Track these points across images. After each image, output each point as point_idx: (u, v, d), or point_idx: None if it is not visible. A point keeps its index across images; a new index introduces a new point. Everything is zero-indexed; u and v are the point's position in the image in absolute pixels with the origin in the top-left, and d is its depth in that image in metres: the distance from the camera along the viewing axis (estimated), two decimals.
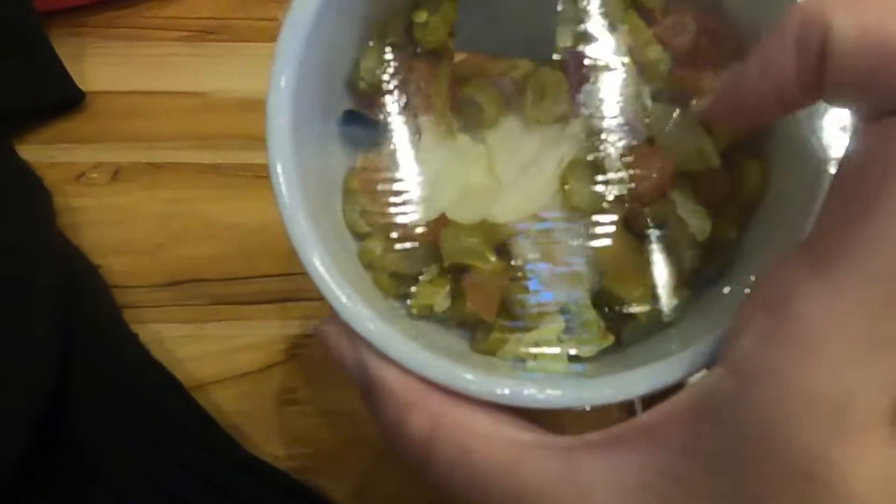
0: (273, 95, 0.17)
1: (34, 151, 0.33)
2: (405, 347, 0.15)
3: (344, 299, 0.16)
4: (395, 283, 0.18)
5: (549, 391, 0.15)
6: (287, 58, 0.17)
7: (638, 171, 0.17)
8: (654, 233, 0.17)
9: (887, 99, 0.12)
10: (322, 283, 0.16)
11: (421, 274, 0.18)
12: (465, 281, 0.18)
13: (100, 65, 0.38)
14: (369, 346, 0.15)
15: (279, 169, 0.17)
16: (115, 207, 0.32)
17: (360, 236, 0.19)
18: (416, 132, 0.19)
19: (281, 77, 0.17)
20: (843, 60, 0.12)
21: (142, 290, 0.29)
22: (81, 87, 0.36)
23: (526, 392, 0.15)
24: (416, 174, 0.19)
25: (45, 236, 0.27)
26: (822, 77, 0.13)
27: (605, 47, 0.18)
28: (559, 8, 0.17)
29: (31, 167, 0.32)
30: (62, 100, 0.35)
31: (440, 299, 0.18)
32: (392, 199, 0.18)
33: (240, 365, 0.27)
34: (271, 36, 0.43)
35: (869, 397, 0.12)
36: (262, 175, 0.34)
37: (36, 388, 0.23)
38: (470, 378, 0.15)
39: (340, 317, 0.16)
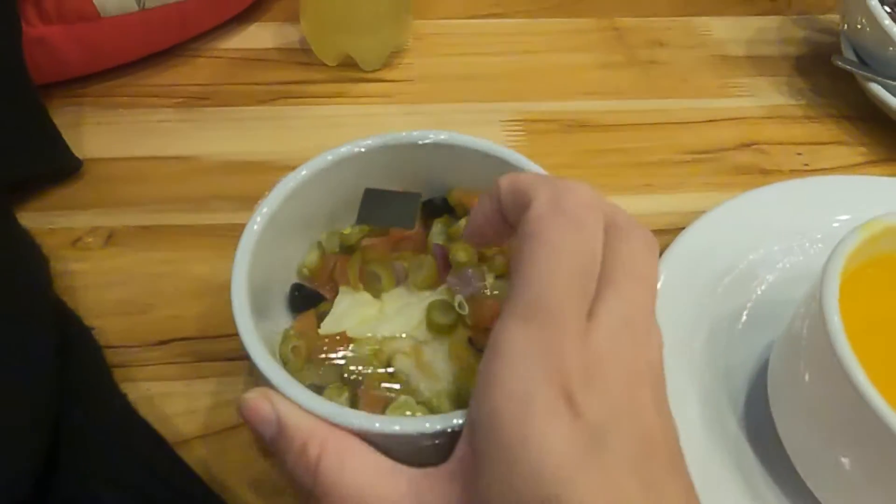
0: (234, 281, 0.26)
1: (34, 218, 0.36)
2: (307, 394, 0.22)
3: (264, 362, 0.23)
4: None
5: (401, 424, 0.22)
6: (242, 259, 0.26)
7: (479, 312, 0.27)
8: None
9: (519, 210, 0.22)
10: (252, 350, 0.24)
11: (329, 384, 0.26)
12: (359, 390, 0.25)
13: (97, 132, 0.41)
14: (280, 395, 0.22)
15: (241, 322, 0.25)
16: (109, 270, 0.34)
17: (286, 365, 0.26)
18: (335, 295, 0.29)
19: (240, 271, 0.26)
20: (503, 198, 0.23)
21: (133, 350, 0.31)
22: (79, 154, 0.39)
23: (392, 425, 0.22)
24: (332, 317, 0.28)
25: (42, 303, 0.29)
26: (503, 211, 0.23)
27: (463, 248, 0.28)
28: (419, 201, 0.29)
29: (31, 234, 0.34)
30: (61, 169, 0.37)
31: (341, 401, 0.25)
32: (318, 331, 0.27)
33: (223, 420, 0.29)
34: (256, 100, 0.46)
35: (543, 395, 0.18)
36: None
37: (30, 448, 0.24)
38: (352, 415, 0.22)
39: (261, 372, 0.23)
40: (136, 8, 0.41)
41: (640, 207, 0.39)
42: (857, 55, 0.45)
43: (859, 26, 0.43)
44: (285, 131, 0.42)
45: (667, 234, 0.36)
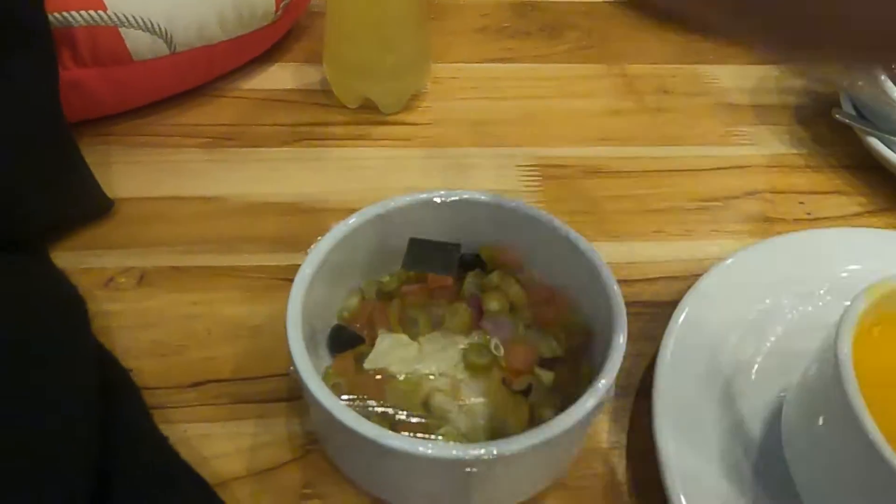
0: (289, 318, 0.27)
1: (67, 258, 0.37)
2: (357, 418, 0.24)
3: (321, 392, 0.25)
4: None
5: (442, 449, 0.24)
6: (296, 298, 0.28)
7: (512, 355, 0.29)
8: (524, 391, 0.28)
9: None
10: (309, 381, 0.25)
11: (370, 419, 0.26)
12: (400, 425, 0.27)
13: (126, 172, 0.42)
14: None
15: (297, 355, 0.26)
16: (142, 311, 0.35)
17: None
18: (373, 338, 0.30)
19: (295, 310, 0.27)
20: None
21: (169, 391, 0.32)
22: (109, 193, 0.40)
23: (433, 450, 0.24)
24: (375, 355, 0.30)
25: (82, 345, 0.30)
26: None
27: (496, 297, 0.31)
28: (459, 252, 0.31)
29: (66, 274, 0.35)
30: (94, 210, 0.38)
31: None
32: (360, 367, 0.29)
33: (262, 461, 0.30)
34: (279, 141, 0.47)
35: None
36: (275, 277, 0.37)
37: (72, 492, 0.25)
38: (396, 437, 0.24)
39: (318, 400, 0.25)
40: (167, 52, 0.42)
41: (652, 254, 0.40)
42: (856, 108, 0.47)
43: (858, 82, 0.45)
44: (308, 173, 0.43)
45: (679, 280, 0.38)
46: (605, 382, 0.25)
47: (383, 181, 0.43)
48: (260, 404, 0.32)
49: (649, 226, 0.42)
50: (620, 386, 0.34)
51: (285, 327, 0.26)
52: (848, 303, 0.27)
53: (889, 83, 0.43)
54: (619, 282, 0.38)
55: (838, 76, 0.49)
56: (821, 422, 0.26)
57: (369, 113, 0.47)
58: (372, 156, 0.45)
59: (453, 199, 0.32)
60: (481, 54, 0.54)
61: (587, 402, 0.25)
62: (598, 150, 0.47)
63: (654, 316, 0.36)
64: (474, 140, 0.46)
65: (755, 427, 0.30)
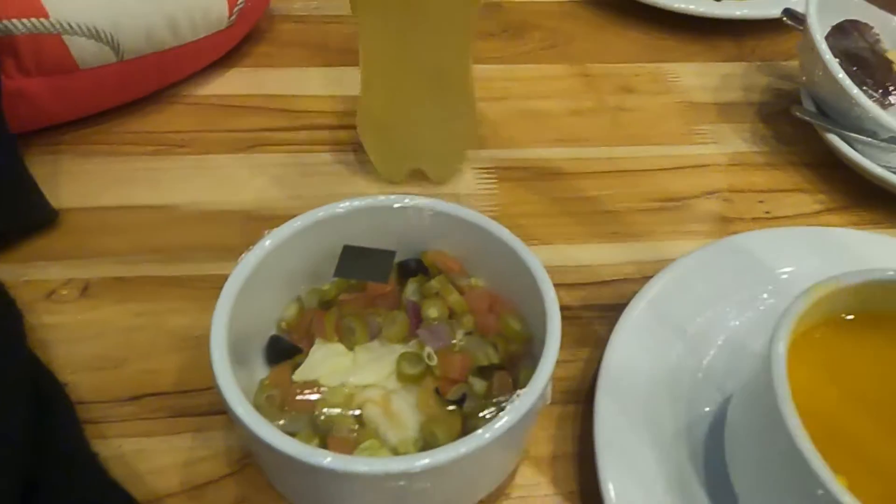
0: (213, 331, 0.27)
1: (8, 270, 0.36)
2: (280, 437, 0.23)
3: (241, 407, 0.24)
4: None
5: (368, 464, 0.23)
6: (221, 312, 0.27)
7: (446, 364, 0.28)
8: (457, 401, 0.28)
9: None
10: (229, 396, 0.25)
11: (300, 431, 0.26)
12: (329, 437, 0.27)
13: (73, 181, 0.41)
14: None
15: (219, 370, 0.26)
16: (84, 323, 0.34)
17: (260, 413, 0.26)
18: (311, 346, 0.30)
19: (220, 322, 0.27)
20: None
21: (106, 406, 0.31)
22: (55, 203, 0.39)
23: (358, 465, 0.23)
24: (306, 366, 0.29)
25: (14, 360, 0.30)
26: None
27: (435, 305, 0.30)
28: (394, 259, 0.30)
29: (5, 287, 0.34)
30: (38, 220, 0.38)
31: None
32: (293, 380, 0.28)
33: (195, 477, 0.29)
34: (234, 147, 0.46)
35: None
36: (221, 286, 0.37)
37: None
38: (322, 454, 0.23)
39: (238, 417, 0.24)
40: (114, 59, 0.42)
41: (608, 256, 0.40)
42: (817, 105, 0.46)
43: (816, 79, 0.45)
44: (261, 179, 0.43)
45: (634, 282, 0.37)
46: (533, 390, 0.25)
47: (337, 187, 0.43)
48: (199, 417, 0.31)
49: (607, 227, 0.42)
50: (568, 392, 0.34)
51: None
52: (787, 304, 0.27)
53: (847, 80, 0.42)
54: (572, 285, 0.38)
55: (800, 72, 0.48)
56: (756, 427, 0.26)
57: (322, 117, 0.47)
58: (325, 161, 0.44)
59: (395, 204, 0.31)
60: None
61: (516, 410, 0.24)
62: (558, 151, 0.46)
63: (608, 319, 0.35)
64: None
65: (700, 433, 0.30)
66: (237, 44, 0.51)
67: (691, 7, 0.55)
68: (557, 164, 0.45)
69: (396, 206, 0.31)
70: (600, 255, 0.40)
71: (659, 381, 0.31)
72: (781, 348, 0.25)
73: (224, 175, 0.43)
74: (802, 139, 0.47)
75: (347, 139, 0.46)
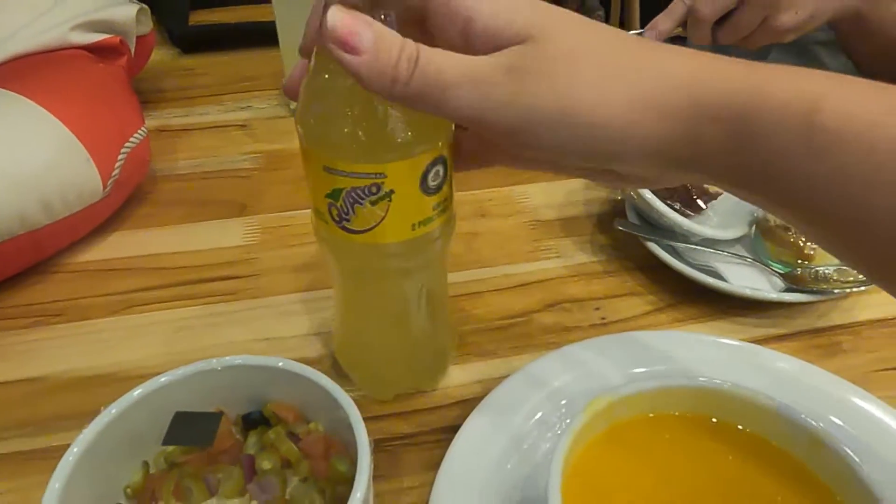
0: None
1: None
2: None
3: None
4: None
5: None
6: (53, 488, 0.29)
7: None
8: None
9: None
10: None
11: None
12: None
13: None
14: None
15: None
16: None
17: None
18: None
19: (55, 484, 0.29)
20: None
21: None
22: None
23: None
24: None
25: None
26: None
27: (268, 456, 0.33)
28: (220, 420, 0.32)
29: None
30: None
31: None
32: None
33: None
34: (109, 310, 0.49)
35: None
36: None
37: None
38: None
39: None
40: None
41: (454, 379, 0.43)
42: (640, 215, 0.52)
43: (633, 194, 0.51)
44: (133, 340, 0.45)
45: (473, 402, 0.40)
46: None
47: (211, 339, 0.46)
48: None
49: (455, 350, 0.45)
50: None
51: None
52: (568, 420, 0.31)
53: (650, 195, 0.48)
54: (415, 412, 0.41)
55: (621, 188, 0.54)
56: None
57: (200, 271, 0.50)
58: (198, 314, 0.48)
59: (227, 365, 0.34)
60: (290, 205, 0.58)
61: None
62: None
63: (446, 443, 0.38)
64: (297, 286, 0.50)
65: None
66: (119, 207, 0.55)
67: None
68: None
69: (219, 368, 0.34)
70: (446, 379, 0.43)
71: (489, 499, 0.34)
72: (557, 465, 0.29)
73: (97, 339, 0.46)
74: (632, 245, 0.53)
75: (224, 290, 0.49)
